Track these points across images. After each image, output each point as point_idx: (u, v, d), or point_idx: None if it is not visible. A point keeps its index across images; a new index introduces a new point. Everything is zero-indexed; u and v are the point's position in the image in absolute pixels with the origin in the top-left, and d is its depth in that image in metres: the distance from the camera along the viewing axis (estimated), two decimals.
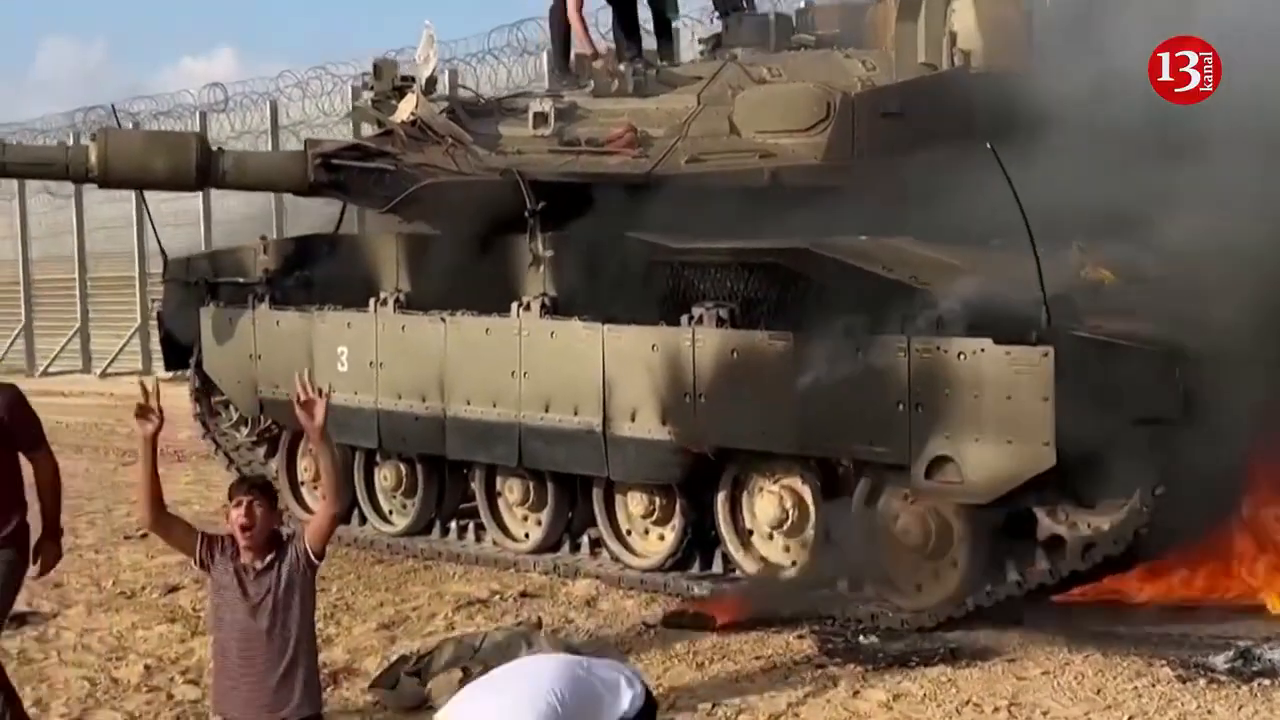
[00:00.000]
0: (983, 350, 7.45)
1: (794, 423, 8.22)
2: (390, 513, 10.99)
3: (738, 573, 9.03)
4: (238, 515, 5.48)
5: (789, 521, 8.68)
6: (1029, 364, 7.29)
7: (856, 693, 7.12)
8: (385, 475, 10.88)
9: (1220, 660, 6.98)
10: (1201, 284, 7.63)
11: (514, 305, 9.64)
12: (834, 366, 7.98)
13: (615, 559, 9.61)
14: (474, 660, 7.29)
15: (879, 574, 8.33)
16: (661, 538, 9.48)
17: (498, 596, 9.32)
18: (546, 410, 9.43)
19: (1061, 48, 9.39)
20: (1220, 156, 8.03)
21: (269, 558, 5.53)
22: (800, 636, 8.11)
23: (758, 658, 7.81)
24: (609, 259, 9.26)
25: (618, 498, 9.61)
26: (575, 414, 9.28)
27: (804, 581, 8.62)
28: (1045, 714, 6.67)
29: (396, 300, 10.37)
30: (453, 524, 10.66)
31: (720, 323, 8.58)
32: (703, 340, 8.63)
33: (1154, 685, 6.86)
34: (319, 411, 5.42)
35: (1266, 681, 6.78)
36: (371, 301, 10.50)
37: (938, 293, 7.72)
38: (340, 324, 10.67)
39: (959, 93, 9.27)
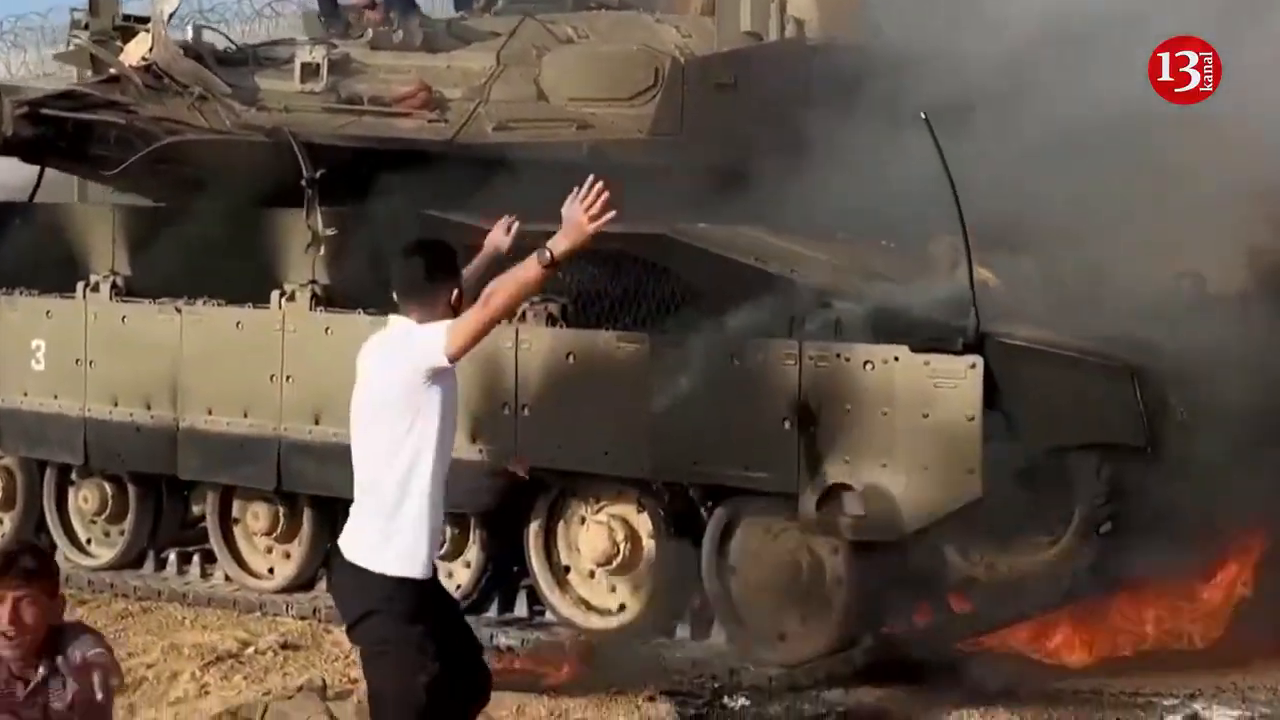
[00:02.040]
0: (896, 359, 6.29)
1: (646, 441, 6.88)
2: (89, 542, 9.08)
3: (549, 616, 7.62)
4: None
5: (619, 558, 7.31)
6: (953, 376, 6.17)
7: None
8: (85, 497, 8.95)
9: None
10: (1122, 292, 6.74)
11: (274, 294, 7.96)
12: (702, 375, 6.68)
13: None
14: None
15: (733, 620, 7.05)
16: (450, 574, 7.96)
17: (251, 649, 7.62)
18: (316, 423, 7.80)
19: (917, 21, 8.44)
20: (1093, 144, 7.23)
21: (42, 667, 3.89)
22: (651, 698, 6.76)
23: None
24: (402, 241, 7.69)
25: None
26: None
27: (639, 629, 7.28)
28: None
29: (113, 286, 8.52)
30: (171, 555, 8.84)
31: (551, 320, 7.18)
32: (528, 341, 7.20)
33: None
34: None
35: None
36: (79, 286, 8.60)
37: (834, 291, 6.52)
38: (36, 312, 8.72)
39: (797, 65, 8.18)
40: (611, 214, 4.58)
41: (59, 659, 3.91)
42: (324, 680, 6.92)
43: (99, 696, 3.90)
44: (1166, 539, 6.01)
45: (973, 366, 6.13)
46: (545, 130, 7.93)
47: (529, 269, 4.67)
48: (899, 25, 8.57)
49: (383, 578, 4.74)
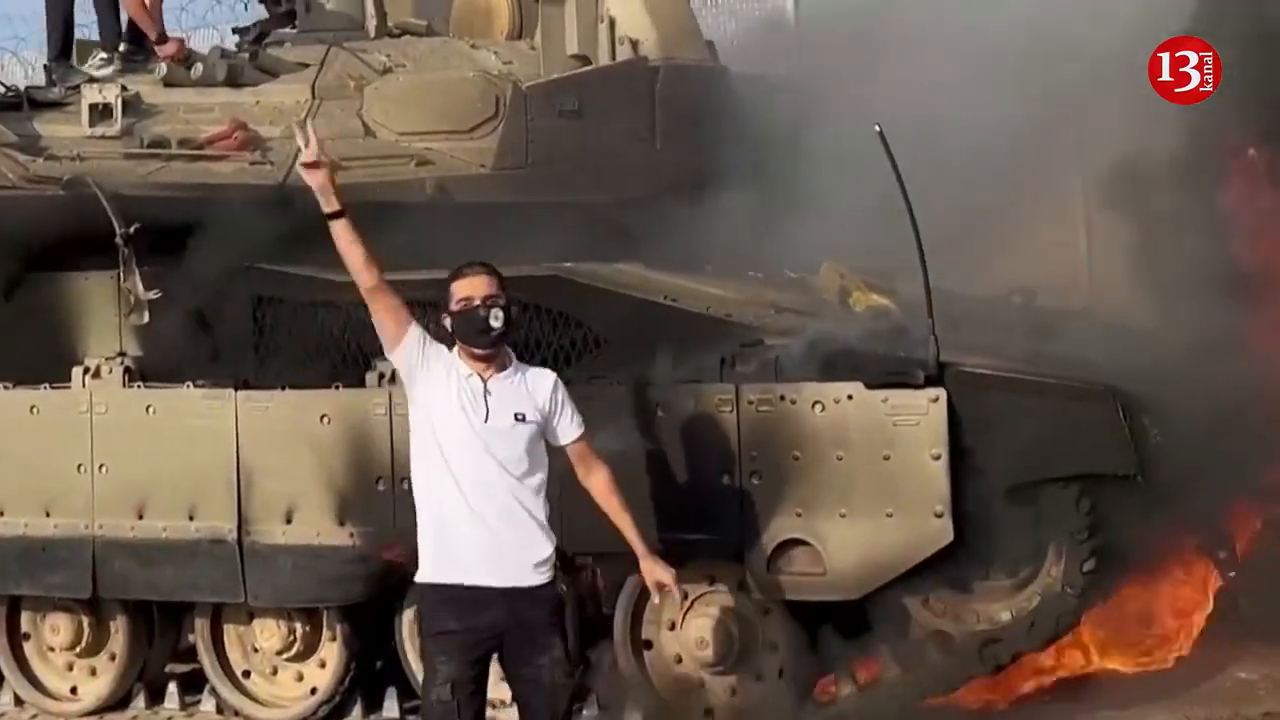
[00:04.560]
0: (849, 397, 5.73)
1: (556, 510, 6.08)
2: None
3: None
4: None
5: None
6: (915, 412, 5.65)
7: None
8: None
9: None
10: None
11: (77, 371, 6.85)
12: (622, 429, 5.96)
13: (235, 712, 7.01)
14: None
15: (653, 700, 6.36)
16: (301, 677, 7.02)
17: None
18: (140, 517, 6.74)
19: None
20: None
21: None
22: None
23: None
24: (233, 302, 6.75)
25: (229, 629, 7.04)
26: (191, 519, 6.66)
27: None
28: None
29: None
30: None
31: None
32: (403, 404, 6.30)
33: None
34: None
35: None
36: None
37: (766, 328, 5.94)
38: None
39: (641, 87, 7.57)
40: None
41: None
42: None
43: None
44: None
45: (935, 400, 5.63)
46: (381, 169, 7.06)
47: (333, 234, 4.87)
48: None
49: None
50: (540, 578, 4.84)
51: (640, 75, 7.61)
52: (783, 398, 5.80)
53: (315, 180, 4.70)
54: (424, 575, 4.89)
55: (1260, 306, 5.80)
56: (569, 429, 4.99)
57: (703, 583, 6.22)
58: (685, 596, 5.73)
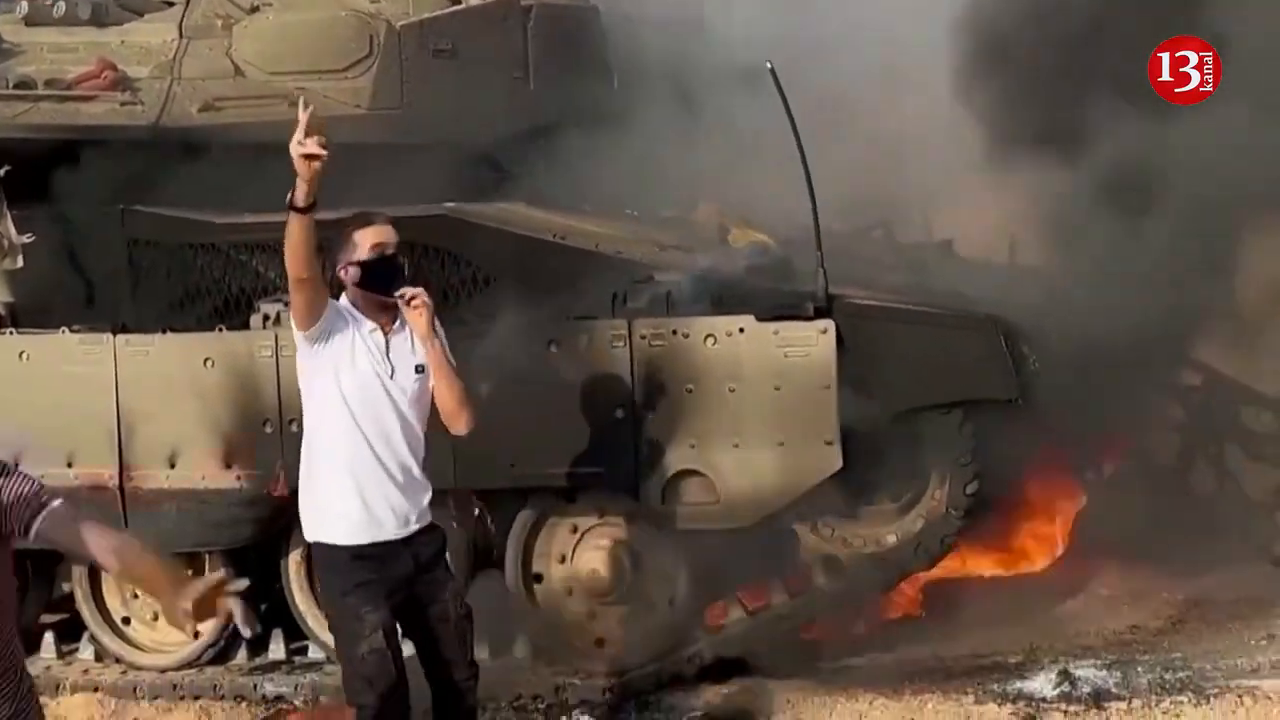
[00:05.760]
0: (741, 330, 5.85)
1: (449, 448, 6.12)
2: None
3: (315, 655, 6.77)
4: None
5: None
6: (805, 344, 5.79)
7: None
8: None
9: (1045, 688, 5.84)
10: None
11: None
12: (515, 366, 6.01)
13: (116, 659, 6.93)
14: None
15: (545, 632, 6.45)
16: None
17: None
18: (16, 464, 6.55)
19: None
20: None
21: None
22: None
23: None
24: (108, 245, 6.63)
25: (107, 576, 6.95)
26: (69, 465, 6.55)
27: None
28: None
29: None
30: None
31: None
32: (289, 347, 6.27)
33: None
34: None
35: (1115, 704, 5.72)
36: None
37: (655, 264, 6.02)
38: None
39: (514, 27, 7.57)
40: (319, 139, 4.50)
41: None
42: None
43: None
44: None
45: (824, 332, 5.78)
46: (253, 109, 6.97)
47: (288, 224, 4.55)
48: None
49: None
50: (429, 519, 4.90)
51: (513, 14, 7.60)
52: (675, 332, 5.90)
53: (306, 171, 4.47)
54: (331, 536, 4.78)
55: (1134, 238, 6.03)
56: None
57: (594, 515, 6.31)
58: None
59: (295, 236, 4.52)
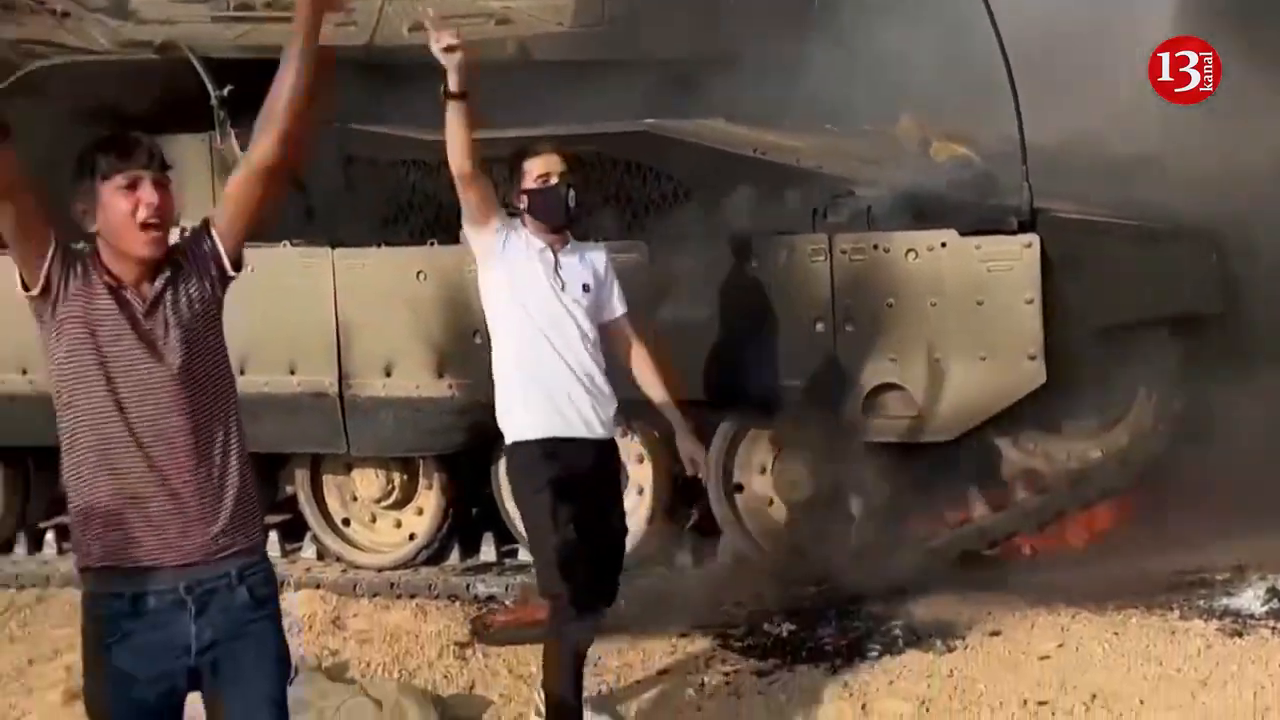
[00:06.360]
0: (943, 245, 5.83)
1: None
2: None
3: (524, 557, 6.97)
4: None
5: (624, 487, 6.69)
6: (1008, 258, 5.75)
7: (864, 706, 5.36)
8: None
9: (1253, 604, 5.75)
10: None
11: (175, 232, 6.96)
12: (714, 281, 6.09)
13: (337, 558, 7.26)
14: None
15: (747, 542, 6.56)
16: (399, 524, 7.26)
17: None
18: (241, 373, 6.87)
19: None
20: None
21: (160, 278, 3.37)
22: (683, 635, 6.21)
23: (660, 671, 5.87)
24: (324, 162, 6.86)
25: (328, 479, 7.27)
26: (292, 374, 6.84)
27: (636, 561, 6.69)
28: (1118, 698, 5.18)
29: None
30: (49, 535, 7.85)
31: None
32: None
33: (1207, 646, 5.50)
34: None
35: None
36: None
37: (855, 179, 6.02)
38: None
39: None
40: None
41: (179, 259, 3.38)
42: None
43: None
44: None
45: (1028, 246, 5.72)
46: (465, 27, 7.08)
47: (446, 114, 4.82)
48: None
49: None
50: (613, 431, 5.12)
51: None
52: (875, 246, 5.91)
53: (453, 61, 4.75)
54: (522, 434, 5.02)
55: None
56: (616, 305, 5.18)
57: (793, 427, 6.38)
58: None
59: (453, 125, 4.80)
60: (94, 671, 3.32)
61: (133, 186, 3.29)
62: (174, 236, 3.45)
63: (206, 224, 3.43)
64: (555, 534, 4.93)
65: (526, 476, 5.06)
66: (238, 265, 3.43)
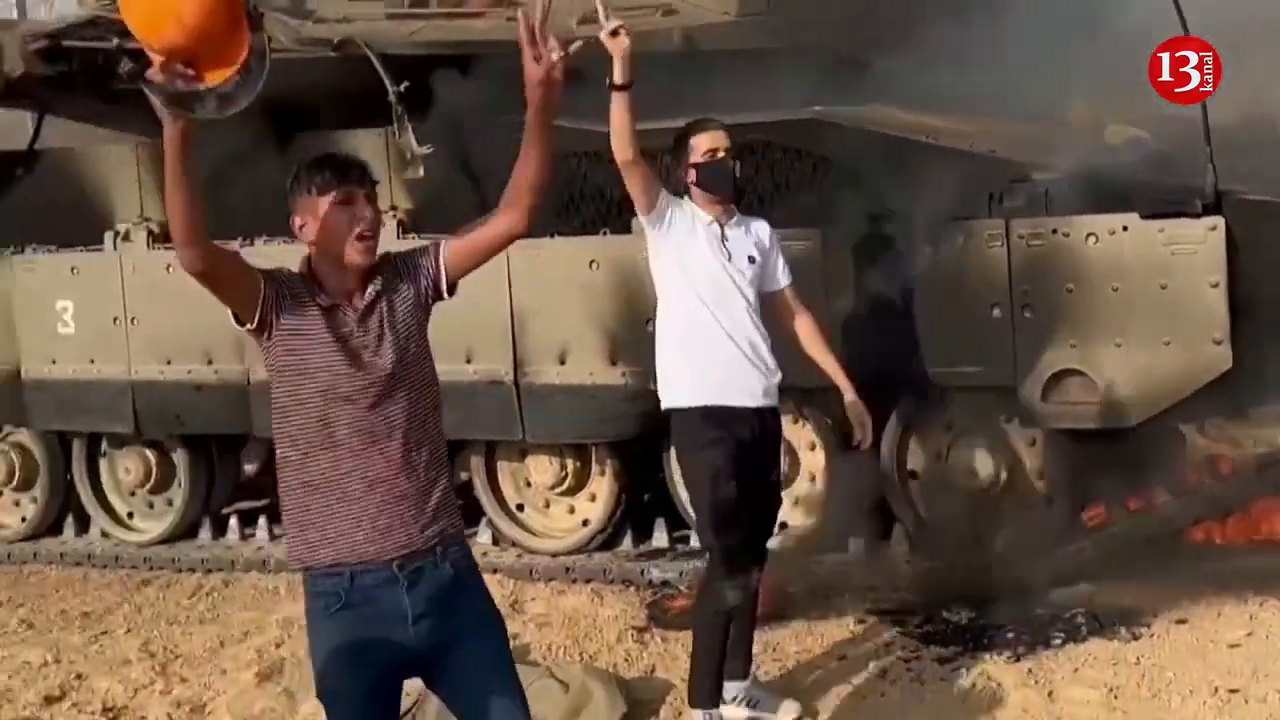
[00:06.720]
0: (1124, 229, 5.76)
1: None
2: (131, 516, 8.27)
3: (696, 543, 7.03)
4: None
5: (797, 475, 6.76)
6: (1192, 241, 5.66)
7: (1051, 694, 5.33)
8: (126, 468, 8.14)
9: None
10: None
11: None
12: (890, 269, 6.08)
13: (512, 543, 7.38)
14: None
15: (920, 529, 6.55)
16: (573, 510, 7.35)
17: None
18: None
19: None
20: None
21: (371, 286, 3.55)
22: (860, 621, 6.23)
23: (839, 657, 5.89)
24: (494, 155, 6.93)
25: (502, 465, 7.38)
26: (468, 362, 6.96)
27: (813, 546, 6.73)
28: None
29: (148, 233, 7.65)
30: (231, 521, 8.08)
31: None
32: None
33: None
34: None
35: None
36: (108, 236, 7.71)
37: (1031, 163, 5.95)
38: (59, 270, 7.80)
39: None
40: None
41: (394, 264, 3.58)
42: None
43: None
44: None
45: (1213, 228, 5.63)
46: (628, 19, 7.12)
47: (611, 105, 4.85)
48: None
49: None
50: (775, 400, 5.16)
51: None
52: (1054, 231, 5.86)
53: (619, 49, 4.80)
54: (685, 400, 5.11)
55: None
56: (782, 276, 5.22)
57: (970, 413, 6.34)
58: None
59: (618, 116, 4.84)
60: (322, 645, 3.49)
61: (348, 201, 3.46)
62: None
63: (438, 246, 3.59)
64: (719, 487, 5.01)
65: (688, 438, 5.16)
66: (453, 290, 3.59)
